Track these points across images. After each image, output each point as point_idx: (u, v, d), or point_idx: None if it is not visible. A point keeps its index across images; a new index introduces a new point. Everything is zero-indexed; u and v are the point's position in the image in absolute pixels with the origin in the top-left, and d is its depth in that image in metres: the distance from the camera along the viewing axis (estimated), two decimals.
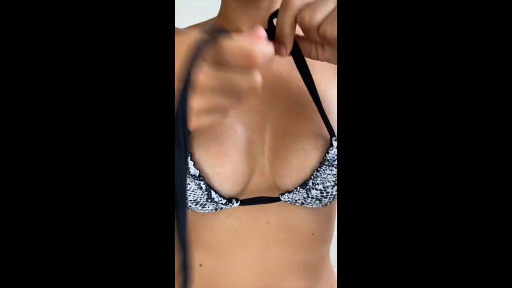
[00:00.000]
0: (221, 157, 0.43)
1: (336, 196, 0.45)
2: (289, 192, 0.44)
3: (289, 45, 0.35)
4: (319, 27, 0.32)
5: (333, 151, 0.42)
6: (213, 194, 0.42)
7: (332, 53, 0.36)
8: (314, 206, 0.46)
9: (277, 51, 0.35)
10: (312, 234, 0.49)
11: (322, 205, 0.46)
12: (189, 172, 0.41)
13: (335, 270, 0.63)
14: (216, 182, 0.43)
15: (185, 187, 0.34)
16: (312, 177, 0.43)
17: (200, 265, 0.49)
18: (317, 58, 0.37)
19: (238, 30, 0.48)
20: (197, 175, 0.42)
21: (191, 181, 0.42)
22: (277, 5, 0.47)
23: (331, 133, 0.43)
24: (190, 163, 0.42)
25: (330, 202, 0.46)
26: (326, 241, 0.52)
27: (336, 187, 0.44)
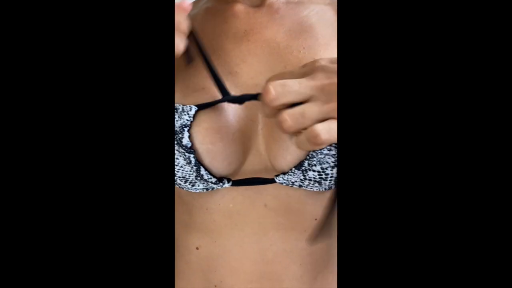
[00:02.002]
0: (212, 133, 0.41)
1: None
2: (284, 173, 0.41)
3: None
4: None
5: None
6: (202, 171, 0.40)
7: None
8: (314, 189, 0.42)
9: None
10: (316, 219, 0.45)
11: (323, 189, 0.42)
12: (181, 142, 0.39)
13: None
14: (206, 160, 0.40)
15: None
16: (308, 157, 0.39)
17: (197, 248, 0.47)
18: None
19: (235, 0, 0.45)
20: (189, 147, 0.39)
21: (180, 155, 0.40)
22: None
23: None
24: (186, 134, 0.39)
25: (333, 186, 0.42)
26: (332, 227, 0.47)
27: (336, 168, 0.40)
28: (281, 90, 0.29)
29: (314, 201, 0.44)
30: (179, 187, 0.43)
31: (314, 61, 0.31)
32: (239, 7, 0.45)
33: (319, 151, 0.39)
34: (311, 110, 0.30)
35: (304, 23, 0.44)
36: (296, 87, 0.29)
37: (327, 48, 0.43)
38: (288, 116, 0.30)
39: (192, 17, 0.47)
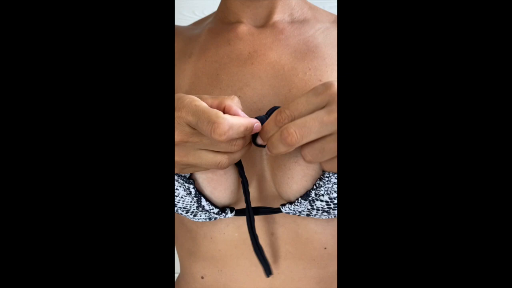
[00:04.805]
0: None
1: None
2: (290, 203, 0.39)
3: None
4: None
5: None
6: (203, 202, 0.38)
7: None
8: (323, 217, 0.40)
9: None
10: (325, 248, 0.43)
11: (332, 216, 0.40)
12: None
13: None
14: (207, 189, 0.39)
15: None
16: (315, 187, 0.37)
17: (202, 277, 0.45)
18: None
19: (239, 21, 0.44)
20: (187, 176, 0.38)
21: (180, 186, 0.38)
22: None
23: None
24: None
25: None
26: None
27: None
28: (302, 133, 0.29)
29: (323, 229, 0.42)
30: (181, 215, 0.41)
31: (327, 85, 0.30)
32: (243, 28, 0.43)
33: (327, 180, 0.37)
34: (330, 146, 0.30)
35: (310, 43, 0.42)
36: (316, 127, 0.29)
37: (334, 69, 0.41)
38: (308, 152, 0.31)
39: (194, 37, 0.46)
